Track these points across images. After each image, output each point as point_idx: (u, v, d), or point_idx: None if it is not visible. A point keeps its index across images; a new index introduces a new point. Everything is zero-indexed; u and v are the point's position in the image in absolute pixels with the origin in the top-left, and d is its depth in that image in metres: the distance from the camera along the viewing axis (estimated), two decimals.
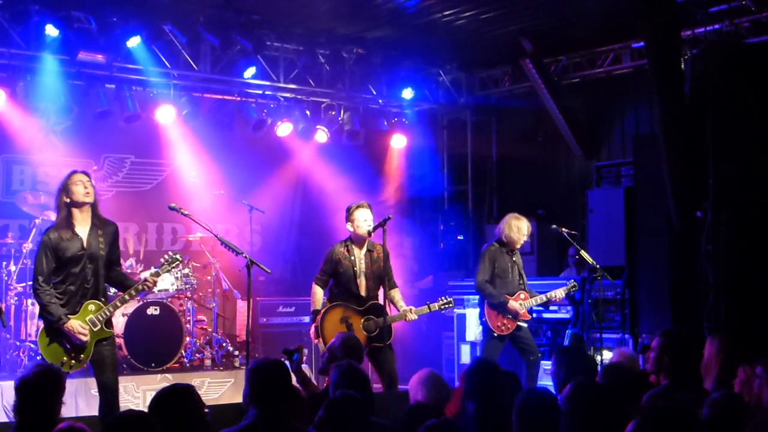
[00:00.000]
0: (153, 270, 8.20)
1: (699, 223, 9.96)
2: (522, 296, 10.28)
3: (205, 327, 12.66)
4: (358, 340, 7.64)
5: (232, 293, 12.97)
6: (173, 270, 8.52)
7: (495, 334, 10.18)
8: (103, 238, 7.68)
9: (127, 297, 7.85)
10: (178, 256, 8.20)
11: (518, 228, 10.33)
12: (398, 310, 9.46)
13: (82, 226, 7.63)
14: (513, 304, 10.16)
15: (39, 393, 5.39)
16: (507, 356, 10.80)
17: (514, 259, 10.41)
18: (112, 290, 9.27)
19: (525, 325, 10.33)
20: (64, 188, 7.60)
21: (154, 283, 8.00)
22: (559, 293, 10.44)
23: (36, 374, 5.47)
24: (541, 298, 10.38)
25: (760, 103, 9.74)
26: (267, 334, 13.00)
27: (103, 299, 7.69)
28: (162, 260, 8.18)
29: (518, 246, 10.40)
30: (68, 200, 7.60)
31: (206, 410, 5.21)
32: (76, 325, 7.45)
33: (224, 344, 12.31)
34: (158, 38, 12.07)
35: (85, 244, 7.58)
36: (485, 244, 10.57)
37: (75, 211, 7.63)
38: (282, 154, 14.62)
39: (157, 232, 14.17)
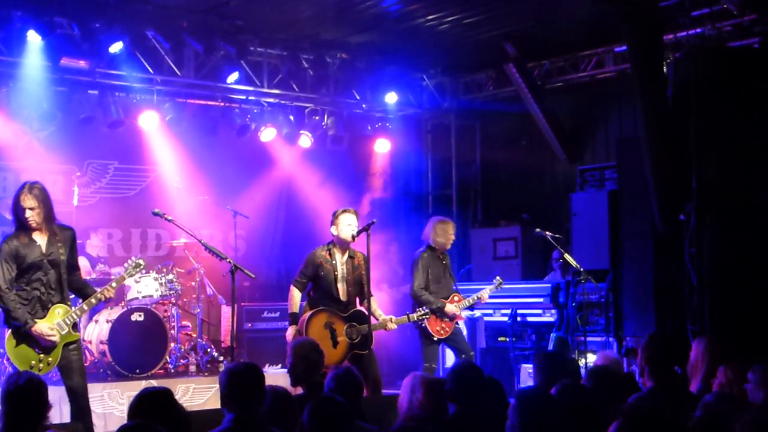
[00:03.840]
0: (118, 276, 8.37)
1: (683, 225, 9.98)
2: (456, 298, 10.48)
3: (189, 333, 12.63)
4: (310, 342, 7.56)
5: (217, 299, 12.96)
6: (136, 274, 8.61)
7: (434, 338, 10.32)
8: (62, 243, 7.72)
9: (93, 300, 7.90)
10: (141, 261, 8.34)
11: (444, 231, 10.52)
12: (377, 319, 9.50)
13: (40, 233, 7.66)
14: (450, 307, 10.34)
15: (27, 401, 5.37)
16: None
17: (444, 262, 10.58)
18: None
19: (459, 325, 10.59)
20: (16, 202, 7.61)
21: (112, 295, 8.07)
22: (484, 294, 10.72)
23: (24, 382, 5.45)
24: (472, 299, 10.60)
25: (743, 106, 9.77)
26: (252, 339, 12.98)
27: (69, 303, 7.79)
28: (126, 265, 8.34)
29: (448, 248, 10.59)
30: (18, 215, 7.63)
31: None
32: (43, 327, 7.52)
33: (209, 350, 12.29)
34: (141, 44, 12.05)
35: (44, 250, 7.63)
36: (416, 251, 10.64)
37: None
38: (266, 159, 14.61)
39: (141, 238, 14.14)
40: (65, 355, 7.66)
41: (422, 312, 9.96)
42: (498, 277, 11.01)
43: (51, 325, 7.56)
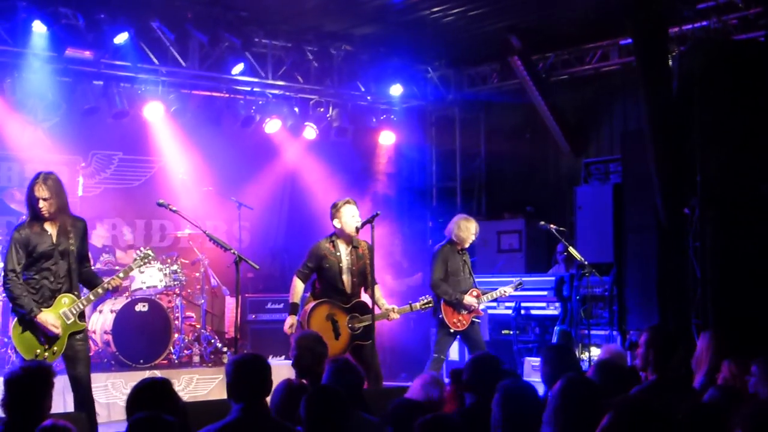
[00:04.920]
0: (126, 267, 8.35)
1: (686, 219, 9.98)
2: (475, 293, 10.48)
3: (193, 323, 12.66)
4: (315, 335, 7.57)
5: (221, 290, 12.96)
6: (144, 266, 8.65)
7: (451, 330, 10.38)
8: (73, 233, 7.76)
9: (100, 291, 7.93)
10: (149, 252, 8.37)
11: (467, 228, 10.57)
12: (380, 308, 9.51)
13: (52, 223, 7.71)
14: (468, 299, 10.36)
15: (29, 389, 5.41)
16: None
17: (464, 258, 10.64)
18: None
19: (478, 321, 10.59)
20: (30, 192, 7.66)
21: (118, 285, 8.09)
22: (508, 289, 10.79)
23: (26, 371, 5.48)
24: (492, 295, 10.67)
25: (747, 100, 9.74)
26: (255, 330, 13.00)
27: (76, 293, 7.80)
28: (135, 256, 8.35)
29: (467, 245, 10.65)
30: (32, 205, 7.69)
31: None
32: (48, 317, 7.55)
33: (213, 341, 12.32)
34: (146, 35, 12.06)
35: (54, 240, 7.67)
36: (437, 245, 10.71)
37: None
38: (270, 150, 14.62)
39: (145, 229, 14.16)
40: (71, 344, 7.70)
41: (425, 301, 9.99)
42: (519, 279, 11.01)
43: (55, 316, 7.59)
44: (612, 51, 13.37)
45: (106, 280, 7.94)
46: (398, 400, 5.61)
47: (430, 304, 10.06)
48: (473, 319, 10.44)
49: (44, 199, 7.58)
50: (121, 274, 8.11)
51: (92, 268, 8.31)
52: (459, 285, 10.43)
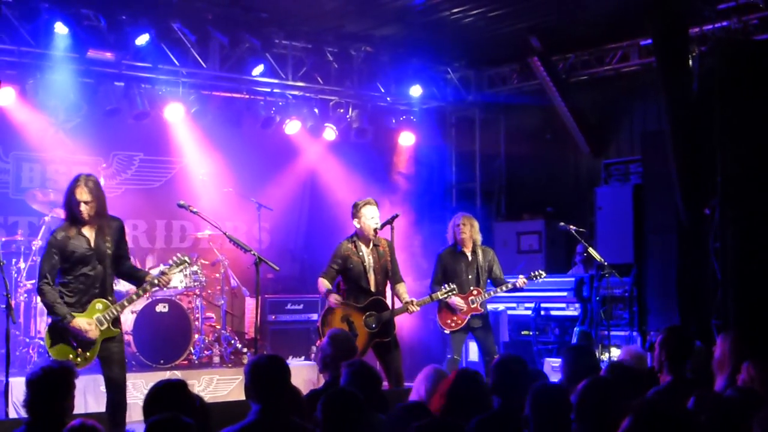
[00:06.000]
0: (160, 269, 8.27)
1: (707, 220, 9.95)
2: (474, 292, 10.43)
3: (213, 324, 12.69)
4: (347, 333, 7.64)
5: (241, 290, 13.00)
6: (180, 272, 8.59)
7: (445, 331, 10.43)
8: (110, 236, 7.66)
9: (135, 297, 7.91)
10: (186, 258, 8.20)
11: (450, 225, 10.69)
12: (401, 302, 9.55)
13: (89, 225, 7.60)
14: (454, 300, 10.30)
15: (50, 389, 5.42)
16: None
17: (471, 257, 10.58)
18: (123, 285, 9.39)
19: (479, 322, 10.46)
20: (70, 195, 7.55)
21: (167, 283, 8.02)
22: (521, 280, 10.59)
23: (47, 371, 5.50)
24: (505, 287, 10.53)
25: None
26: (275, 331, 13.03)
27: (110, 298, 7.70)
28: (171, 261, 8.18)
29: (460, 239, 10.57)
30: (71, 207, 7.58)
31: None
32: (82, 322, 7.45)
33: (233, 341, 12.36)
34: (167, 36, 12.10)
35: (92, 244, 7.58)
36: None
37: None
38: (290, 151, 14.64)
39: (165, 230, 14.20)
40: (106, 347, 7.59)
41: (445, 290, 9.98)
42: (540, 271, 10.83)
43: (90, 320, 7.49)
44: (632, 51, 13.33)
45: (142, 282, 7.86)
46: (398, 405, 5.62)
47: (454, 291, 10.04)
48: (471, 318, 10.38)
49: (85, 203, 7.48)
50: (163, 281, 7.93)
51: (133, 264, 8.21)
52: (462, 287, 10.37)
